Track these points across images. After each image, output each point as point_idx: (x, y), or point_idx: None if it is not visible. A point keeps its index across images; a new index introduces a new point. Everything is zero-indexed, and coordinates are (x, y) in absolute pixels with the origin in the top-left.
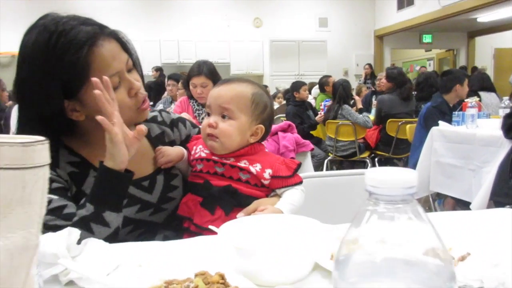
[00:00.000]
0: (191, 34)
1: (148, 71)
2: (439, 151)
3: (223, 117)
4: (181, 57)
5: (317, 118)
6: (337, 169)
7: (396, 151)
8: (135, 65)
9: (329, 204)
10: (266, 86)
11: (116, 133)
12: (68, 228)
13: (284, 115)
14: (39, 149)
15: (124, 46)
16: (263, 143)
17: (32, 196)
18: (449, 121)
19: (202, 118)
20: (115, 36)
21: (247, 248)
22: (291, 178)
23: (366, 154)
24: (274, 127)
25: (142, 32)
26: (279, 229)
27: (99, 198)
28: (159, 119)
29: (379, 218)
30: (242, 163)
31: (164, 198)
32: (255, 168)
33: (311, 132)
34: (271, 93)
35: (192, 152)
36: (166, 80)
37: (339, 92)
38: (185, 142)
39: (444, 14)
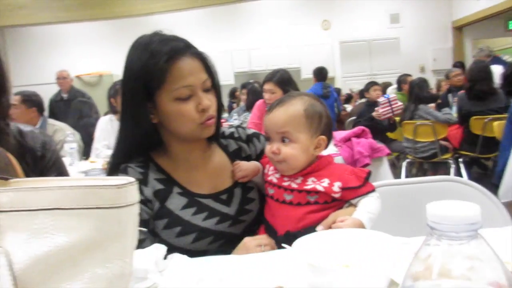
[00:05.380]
0: (261, 41)
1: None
2: None
3: (283, 140)
4: (252, 65)
5: (374, 113)
6: (417, 171)
7: (483, 151)
8: (215, 88)
9: (408, 214)
10: (339, 89)
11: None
12: (156, 244)
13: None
14: (130, 189)
15: (207, 68)
16: (336, 150)
17: (126, 230)
18: None
19: None
20: (200, 57)
21: (320, 266)
22: (362, 188)
23: (449, 155)
24: (347, 133)
25: (215, 43)
26: (352, 245)
27: None
28: (236, 135)
29: (442, 254)
30: (310, 182)
31: (241, 210)
32: (322, 185)
33: (387, 134)
34: (344, 93)
35: (265, 171)
36: (239, 89)
37: (414, 92)
38: (260, 156)
39: None
